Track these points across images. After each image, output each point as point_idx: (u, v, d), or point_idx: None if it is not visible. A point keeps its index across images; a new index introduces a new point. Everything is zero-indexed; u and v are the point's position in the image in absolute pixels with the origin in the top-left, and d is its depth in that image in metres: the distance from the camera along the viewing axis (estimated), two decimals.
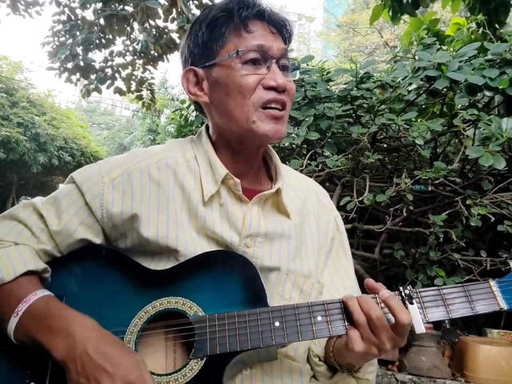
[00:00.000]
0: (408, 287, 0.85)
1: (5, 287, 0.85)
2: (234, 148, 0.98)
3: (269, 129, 0.91)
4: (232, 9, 0.93)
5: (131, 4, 4.58)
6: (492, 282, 0.86)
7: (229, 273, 0.88)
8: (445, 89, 2.20)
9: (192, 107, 3.21)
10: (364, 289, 1.05)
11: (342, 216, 1.18)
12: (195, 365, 0.82)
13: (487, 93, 2.10)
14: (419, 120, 2.33)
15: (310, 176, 1.69)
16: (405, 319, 0.79)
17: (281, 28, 0.97)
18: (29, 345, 0.83)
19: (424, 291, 0.85)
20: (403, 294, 0.84)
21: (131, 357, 0.79)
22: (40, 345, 0.81)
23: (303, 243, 1.02)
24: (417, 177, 2.04)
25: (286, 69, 0.96)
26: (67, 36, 5.20)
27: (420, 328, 0.81)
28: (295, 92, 0.99)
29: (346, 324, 0.83)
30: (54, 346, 0.79)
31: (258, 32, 0.93)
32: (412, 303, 0.83)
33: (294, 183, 1.09)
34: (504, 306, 0.84)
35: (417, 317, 0.82)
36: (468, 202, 2.03)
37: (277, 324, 0.82)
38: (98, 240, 0.95)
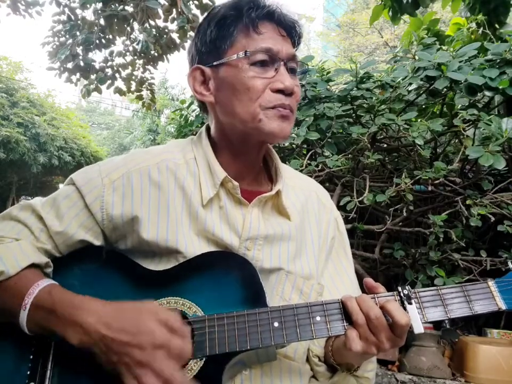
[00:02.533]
0: (406, 287, 0.85)
1: (10, 281, 0.85)
2: (236, 148, 0.98)
3: (275, 127, 0.90)
4: (241, 9, 0.92)
5: (131, 4, 4.58)
6: (491, 283, 0.86)
7: (228, 273, 0.88)
8: (445, 89, 2.20)
9: (192, 107, 3.22)
10: (364, 289, 1.05)
11: (342, 216, 1.18)
12: (194, 365, 0.82)
13: (487, 93, 2.10)
14: (419, 120, 2.33)
15: (310, 176, 1.69)
16: (403, 321, 0.79)
17: (290, 30, 0.96)
18: (45, 334, 0.84)
19: (422, 291, 0.85)
20: (401, 294, 0.84)
21: (146, 316, 0.78)
22: (56, 334, 0.81)
23: (304, 244, 1.02)
24: (417, 177, 2.04)
25: (294, 72, 0.96)
26: (67, 36, 5.20)
27: (419, 328, 0.81)
28: (300, 96, 0.99)
29: (345, 324, 0.83)
30: (68, 336, 0.79)
31: (267, 34, 0.92)
32: (410, 303, 0.83)
33: (294, 184, 1.09)
34: (503, 306, 0.84)
35: (415, 317, 0.82)
36: (468, 202, 2.03)
37: (276, 324, 0.82)
38: (98, 242, 0.95)
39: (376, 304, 0.83)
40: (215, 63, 0.94)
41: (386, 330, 0.80)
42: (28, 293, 0.83)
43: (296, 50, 0.99)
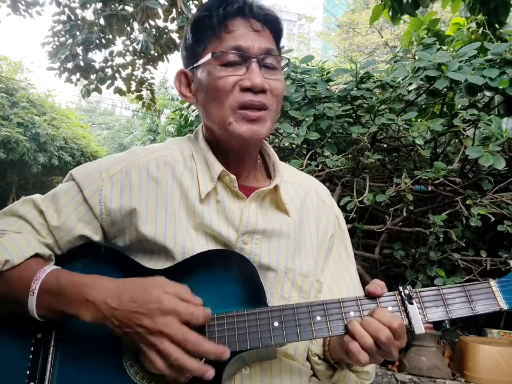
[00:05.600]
0: (407, 287, 0.84)
1: (15, 270, 0.86)
2: (223, 147, 0.99)
3: (245, 131, 0.91)
4: (211, 9, 0.93)
5: (131, 4, 4.58)
6: (492, 282, 0.86)
7: (227, 272, 0.88)
8: (445, 89, 2.20)
9: (192, 107, 3.22)
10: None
11: (341, 211, 1.17)
12: None
13: (487, 93, 2.10)
14: (419, 120, 2.33)
15: None
16: (398, 325, 0.79)
17: (266, 23, 0.95)
18: (55, 319, 0.84)
19: (423, 291, 0.85)
20: (403, 294, 0.84)
21: (155, 288, 0.79)
22: (67, 315, 0.81)
23: (302, 241, 1.02)
24: (417, 177, 2.04)
25: (272, 67, 0.94)
26: (67, 36, 5.20)
27: (420, 328, 0.81)
28: (282, 90, 0.96)
29: (346, 324, 0.82)
30: (80, 314, 0.80)
31: (239, 31, 0.92)
32: (411, 303, 0.83)
33: (294, 181, 1.09)
34: (504, 306, 0.83)
35: (416, 317, 0.82)
36: (468, 202, 2.03)
37: (276, 324, 0.82)
38: (97, 237, 0.95)
39: (378, 304, 0.82)
40: (193, 66, 0.97)
41: (394, 343, 0.79)
42: (34, 278, 0.84)
43: (279, 42, 0.98)
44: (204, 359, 0.78)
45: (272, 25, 0.96)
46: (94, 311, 0.78)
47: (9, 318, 0.88)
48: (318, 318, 0.83)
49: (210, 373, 0.75)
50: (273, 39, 0.97)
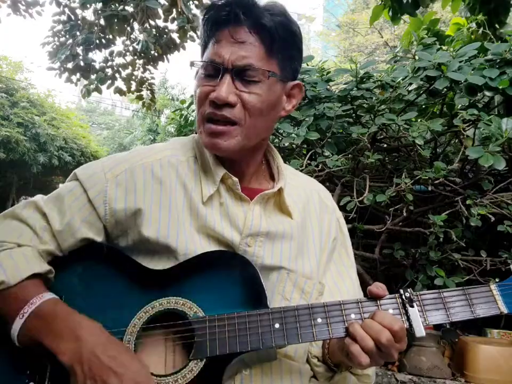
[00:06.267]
0: (408, 290, 0.85)
1: (10, 290, 0.85)
2: None
3: (207, 142, 0.93)
4: (205, 16, 0.94)
5: (131, 4, 4.58)
6: (493, 286, 0.86)
7: (229, 273, 0.88)
8: (445, 89, 2.20)
9: (192, 107, 3.22)
10: (363, 289, 1.05)
11: (342, 215, 1.18)
12: (195, 366, 0.82)
13: (487, 93, 2.10)
14: (419, 120, 2.33)
15: (310, 176, 1.69)
16: (399, 328, 0.79)
17: (257, 33, 0.89)
18: (31, 347, 0.83)
19: (424, 294, 0.85)
20: (403, 296, 0.84)
21: (139, 362, 0.80)
22: (44, 348, 0.81)
23: (305, 243, 1.02)
24: (417, 177, 2.04)
25: (250, 80, 0.89)
26: (67, 36, 5.20)
27: (420, 331, 0.81)
28: (260, 104, 0.90)
29: (347, 326, 0.82)
30: (61, 350, 0.79)
31: (222, 41, 0.90)
32: (412, 306, 0.83)
33: (296, 183, 1.09)
34: (505, 310, 0.84)
35: (417, 320, 0.82)
36: (468, 202, 2.03)
37: (276, 325, 0.82)
38: (99, 238, 0.95)
39: (378, 306, 0.83)
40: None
41: (394, 346, 0.79)
42: (30, 302, 0.83)
43: (274, 49, 0.90)
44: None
45: (265, 32, 0.89)
46: (76, 349, 0.78)
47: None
48: (319, 320, 0.83)
49: None
50: (265, 47, 0.90)
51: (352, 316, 0.83)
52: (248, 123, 0.91)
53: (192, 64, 0.94)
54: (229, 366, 0.81)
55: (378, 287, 0.85)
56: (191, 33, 4.94)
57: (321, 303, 0.85)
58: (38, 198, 0.97)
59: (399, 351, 0.81)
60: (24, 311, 0.82)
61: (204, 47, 0.95)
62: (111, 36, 5.15)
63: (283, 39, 0.91)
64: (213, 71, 0.91)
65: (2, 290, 0.84)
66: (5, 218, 0.96)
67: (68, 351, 0.79)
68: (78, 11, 5.16)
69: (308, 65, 2.71)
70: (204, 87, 0.91)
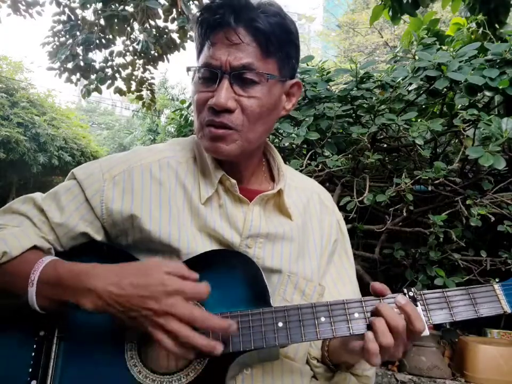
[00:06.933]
0: (412, 289, 0.85)
1: (13, 262, 0.85)
2: None
3: (208, 147, 0.92)
4: (199, 18, 0.92)
5: (131, 4, 4.58)
6: (496, 286, 0.86)
7: (231, 272, 0.88)
8: (445, 89, 2.20)
9: (192, 107, 3.22)
10: (363, 289, 1.05)
11: (342, 216, 1.18)
12: (198, 365, 0.82)
13: (487, 93, 2.10)
14: (419, 120, 2.33)
15: (310, 176, 1.69)
16: (421, 328, 0.79)
17: (253, 35, 0.87)
18: (56, 309, 0.83)
19: (428, 293, 0.85)
20: (407, 296, 0.84)
21: (154, 270, 0.78)
22: (68, 305, 0.81)
23: (306, 245, 1.02)
24: (417, 177, 2.04)
25: (250, 81, 0.88)
26: (67, 36, 5.21)
27: (425, 331, 0.81)
28: (259, 108, 0.89)
29: (351, 325, 0.82)
30: (81, 303, 0.79)
31: (217, 45, 0.88)
32: (416, 305, 0.83)
33: (297, 185, 1.08)
34: (508, 309, 0.84)
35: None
36: (468, 202, 2.03)
37: (280, 324, 0.82)
38: (99, 237, 0.95)
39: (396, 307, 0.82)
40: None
41: (404, 341, 0.79)
42: (33, 269, 0.83)
43: (271, 50, 0.88)
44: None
45: (260, 34, 0.87)
46: (95, 299, 0.77)
47: (11, 316, 0.88)
48: (323, 319, 0.83)
49: (218, 348, 0.75)
50: (261, 48, 0.88)
51: (356, 314, 0.83)
52: (247, 128, 0.90)
53: (188, 69, 0.93)
54: (232, 366, 0.81)
55: (382, 285, 0.85)
56: (191, 33, 4.95)
57: (325, 302, 0.85)
58: (36, 195, 0.98)
59: (405, 348, 0.81)
60: (32, 279, 0.82)
61: (199, 50, 0.94)
62: (111, 36, 5.16)
63: (279, 39, 0.90)
64: (210, 75, 0.89)
65: (6, 262, 0.85)
66: (4, 213, 0.96)
67: (89, 304, 0.78)
68: (78, 11, 5.17)
69: (308, 65, 2.71)
70: (201, 94, 0.91)
